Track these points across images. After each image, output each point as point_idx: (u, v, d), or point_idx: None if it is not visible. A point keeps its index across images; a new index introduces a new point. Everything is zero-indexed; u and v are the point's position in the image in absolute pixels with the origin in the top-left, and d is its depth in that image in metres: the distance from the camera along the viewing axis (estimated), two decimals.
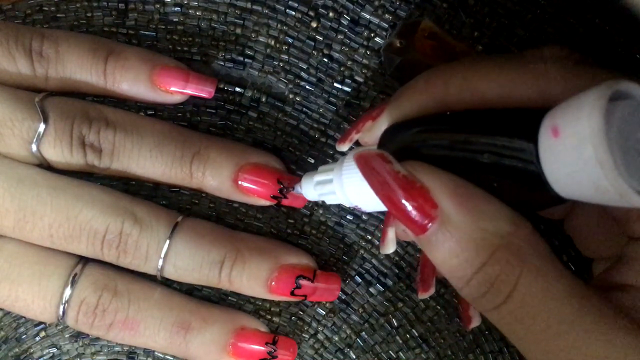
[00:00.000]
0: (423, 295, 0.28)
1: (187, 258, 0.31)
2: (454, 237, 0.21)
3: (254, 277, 0.31)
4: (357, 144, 0.29)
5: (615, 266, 0.24)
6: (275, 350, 0.32)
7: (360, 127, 0.28)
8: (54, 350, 0.34)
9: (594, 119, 0.17)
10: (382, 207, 0.25)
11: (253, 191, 0.32)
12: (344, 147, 0.29)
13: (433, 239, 0.21)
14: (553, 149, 0.18)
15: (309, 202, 0.33)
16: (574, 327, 0.20)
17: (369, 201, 0.26)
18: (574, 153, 0.17)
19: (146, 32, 0.33)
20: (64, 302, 0.30)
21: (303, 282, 0.31)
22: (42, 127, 0.29)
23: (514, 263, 0.21)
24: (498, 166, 0.21)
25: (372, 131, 0.27)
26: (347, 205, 0.27)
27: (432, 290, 0.28)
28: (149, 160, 0.31)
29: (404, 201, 0.21)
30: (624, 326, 0.20)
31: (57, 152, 0.30)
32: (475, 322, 0.28)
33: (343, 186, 0.27)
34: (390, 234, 0.27)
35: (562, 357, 0.20)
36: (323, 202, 0.33)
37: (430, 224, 0.21)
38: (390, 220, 0.27)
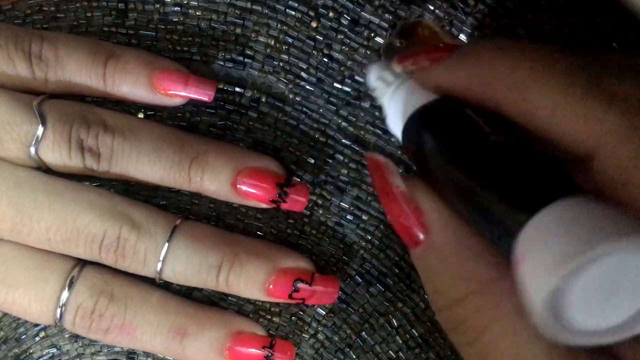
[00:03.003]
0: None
1: (185, 262, 0.31)
2: (437, 267, 0.21)
3: (251, 280, 0.31)
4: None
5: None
6: (272, 354, 0.32)
7: (419, 61, 0.25)
8: (54, 350, 0.34)
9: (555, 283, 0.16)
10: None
11: (252, 195, 0.31)
12: (397, 69, 0.27)
13: (420, 257, 0.22)
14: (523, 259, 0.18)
15: (309, 202, 0.33)
16: None
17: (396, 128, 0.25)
18: (534, 279, 0.17)
19: (146, 32, 0.33)
20: (61, 305, 0.30)
21: (301, 285, 0.31)
22: (40, 130, 0.29)
23: (484, 312, 0.20)
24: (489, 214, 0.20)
25: (424, 74, 0.25)
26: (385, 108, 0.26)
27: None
28: (147, 165, 0.31)
29: (398, 216, 0.22)
30: None
31: (56, 156, 0.30)
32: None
33: (390, 103, 0.25)
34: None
35: None
36: (323, 202, 0.33)
37: (418, 244, 0.22)
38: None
